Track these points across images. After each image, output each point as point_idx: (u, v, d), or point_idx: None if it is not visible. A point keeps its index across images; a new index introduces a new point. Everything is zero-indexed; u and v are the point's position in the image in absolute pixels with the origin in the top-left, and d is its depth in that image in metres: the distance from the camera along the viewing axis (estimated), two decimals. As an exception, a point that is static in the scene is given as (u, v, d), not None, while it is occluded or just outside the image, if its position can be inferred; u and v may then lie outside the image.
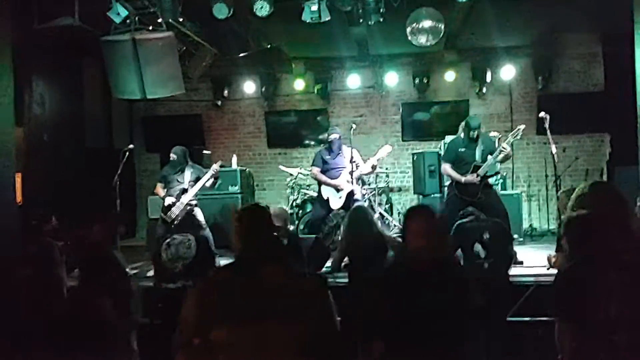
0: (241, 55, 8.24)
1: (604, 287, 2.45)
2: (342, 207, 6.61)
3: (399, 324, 2.49)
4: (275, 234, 2.32)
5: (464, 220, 4.99)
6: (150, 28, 6.20)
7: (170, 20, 6.31)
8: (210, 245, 5.05)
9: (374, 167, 6.79)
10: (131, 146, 6.92)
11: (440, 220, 2.75)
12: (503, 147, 5.95)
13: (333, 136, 6.79)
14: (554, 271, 3.92)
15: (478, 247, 4.70)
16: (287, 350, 1.84)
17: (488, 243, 4.68)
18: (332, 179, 6.72)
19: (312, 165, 6.96)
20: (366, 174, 6.99)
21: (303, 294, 1.97)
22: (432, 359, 2.49)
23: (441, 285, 2.53)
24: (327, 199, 6.72)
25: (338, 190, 6.66)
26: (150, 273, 4.95)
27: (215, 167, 6.60)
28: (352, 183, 6.55)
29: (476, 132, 6.07)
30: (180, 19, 6.61)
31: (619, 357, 2.41)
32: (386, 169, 8.87)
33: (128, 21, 6.08)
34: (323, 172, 6.79)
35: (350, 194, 6.57)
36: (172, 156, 6.65)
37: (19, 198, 6.89)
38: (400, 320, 2.49)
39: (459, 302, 2.57)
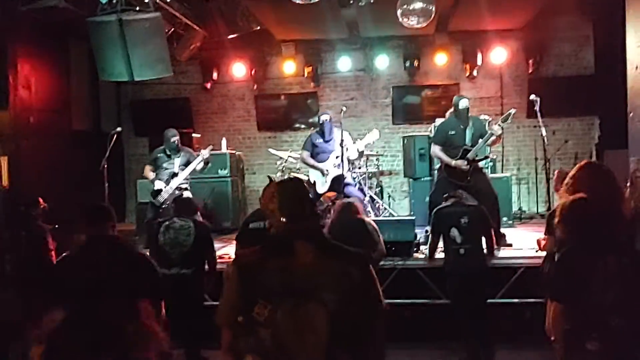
0: (230, 37, 8.15)
1: (601, 269, 2.46)
2: (328, 191, 6.57)
3: None
4: (314, 208, 2.24)
5: (444, 205, 5.00)
6: (137, 9, 6.10)
7: (157, 0, 6.20)
8: (209, 230, 4.88)
9: (361, 153, 6.75)
10: (119, 129, 6.84)
11: None
12: (493, 132, 5.95)
13: (323, 117, 6.75)
14: (543, 254, 3.97)
15: (454, 232, 4.73)
16: (323, 328, 1.91)
17: (465, 228, 4.71)
18: (320, 162, 6.68)
19: (302, 149, 6.93)
20: (354, 159, 6.94)
21: (336, 273, 2.00)
22: None
23: None
24: (314, 183, 6.69)
25: (324, 174, 6.62)
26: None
27: (205, 152, 6.55)
28: (341, 167, 6.49)
29: (464, 110, 6.05)
30: (168, 0, 6.50)
31: (612, 341, 2.43)
32: (376, 152, 8.86)
33: (114, 1, 5.96)
34: (313, 155, 6.75)
35: (337, 179, 6.51)
36: (174, 139, 6.59)
37: (5, 182, 6.83)
38: None
39: None
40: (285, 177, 7.88)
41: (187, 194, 6.63)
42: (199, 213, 4.95)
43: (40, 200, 4.83)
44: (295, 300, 1.94)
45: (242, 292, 2.02)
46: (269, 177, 8.50)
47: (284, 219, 2.11)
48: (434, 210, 5.05)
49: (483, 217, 4.89)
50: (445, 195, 5.10)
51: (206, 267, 4.71)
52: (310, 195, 2.23)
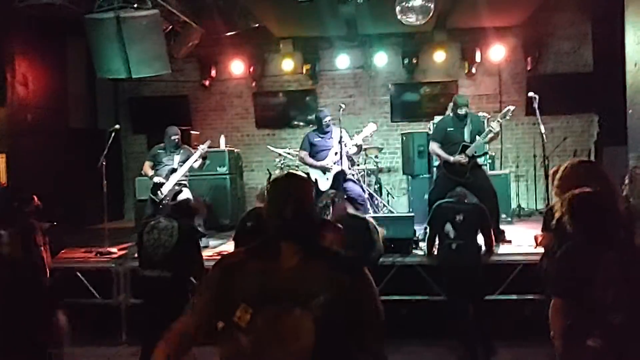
0: (228, 34, 8.12)
1: (603, 266, 2.45)
2: (330, 188, 6.57)
3: None
4: (309, 207, 1.98)
5: (444, 200, 5.05)
6: (135, 6, 6.07)
7: (155, -3, 6.18)
8: (195, 232, 4.68)
9: (359, 147, 6.72)
10: (117, 127, 6.81)
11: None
12: (492, 128, 5.94)
13: (326, 119, 6.72)
14: (541, 250, 3.97)
15: (448, 226, 4.80)
16: (308, 336, 1.78)
17: (459, 225, 4.75)
18: (319, 160, 6.66)
19: (300, 148, 6.90)
20: (353, 154, 6.92)
21: (325, 278, 1.84)
22: None
23: None
24: (316, 181, 6.68)
25: (325, 171, 6.61)
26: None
27: (203, 147, 6.53)
28: (340, 163, 6.48)
29: (464, 110, 6.05)
30: (166, -3, 6.48)
31: (612, 337, 2.42)
32: (376, 147, 8.85)
33: (112, -2, 5.95)
34: (312, 154, 6.73)
35: (339, 175, 6.51)
36: (175, 137, 6.57)
37: (3, 179, 6.82)
38: None
39: None
40: (283, 172, 7.84)
41: (185, 190, 6.62)
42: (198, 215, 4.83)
43: (34, 197, 4.80)
44: (279, 306, 1.80)
45: (222, 294, 1.88)
46: (268, 171, 8.51)
47: (271, 218, 1.94)
48: (435, 204, 5.08)
49: (481, 215, 4.91)
50: (449, 195, 5.15)
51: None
52: (307, 193, 2.01)
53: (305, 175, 2.15)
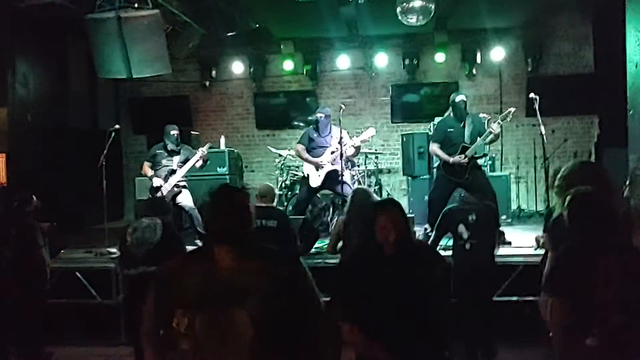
0: (229, 35, 8.12)
1: (602, 266, 2.44)
2: (321, 186, 6.56)
3: (367, 302, 2.73)
4: (246, 217, 2.06)
5: (454, 204, 5.03)
6: (136, 6, 6.06)
7: (155, -2, 6.17)
8: (177, 228, 4.73)
9: (357, 149, 6.70)
10: (117, 126, 6.81)
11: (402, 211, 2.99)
12: (492, 130, 5.93)
13: (318, 115, 6.72)
14: (542, 252, 3.96)
15: (462, 228, 4.75)
16: (247, 333, 1.82)
17: (473, 225, 4.72)
18: (316, 157, 6.65)
19: (299, 142, 6.89)
20: (350, 156, 6.91)
21: (259, 275, 1.90)
22: (400, 333, 2.67)
23: (405, 265, 2.80)
24: (308, 176, 6.67)
25: (318, 168, 6.60)
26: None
27: (203, 149, 6.54)
28: (336, 163, 6.45)
29: (461, 104, 6.04)
30: (166, -3, 6.48)
31: (611, 337, 2.42)
32: (375, 150, 8.85)
33: (113, -2, 5.95)
34: (309, 150, 6.73)
35: (331, 173, 6.49)
36: (174, 132, 6.60)
37: (3, 179, 6.82)
38: (368, 298, 2.72)
39: (423, 279, 2.80)
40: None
41: (185, 191, 6.61)
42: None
43: (34, 197, 4.79)
44: (215, 307, 1.84)
45: (161, 303, 1.93)
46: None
47: (208, 226, 2.06)
48: (445, 209, 5.06)
49: (493, 215, 4.91)
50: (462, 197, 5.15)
51: None
52: (239, 202, 2.09)
53: (239, 187, 2.27)
